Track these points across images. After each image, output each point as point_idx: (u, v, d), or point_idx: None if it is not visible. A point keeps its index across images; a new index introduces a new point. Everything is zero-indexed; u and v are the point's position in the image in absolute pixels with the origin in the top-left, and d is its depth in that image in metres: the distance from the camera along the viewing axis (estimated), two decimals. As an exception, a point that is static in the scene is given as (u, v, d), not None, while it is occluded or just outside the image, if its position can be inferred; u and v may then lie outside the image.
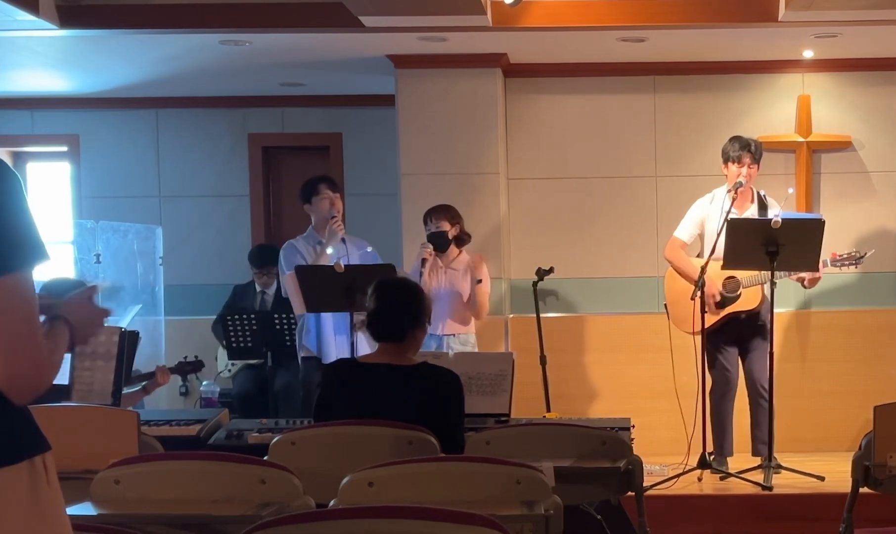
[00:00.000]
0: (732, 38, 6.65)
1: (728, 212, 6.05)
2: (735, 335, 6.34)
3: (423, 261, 6.35)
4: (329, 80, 7.79)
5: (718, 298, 6.18)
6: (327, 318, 6.31)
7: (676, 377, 6.41)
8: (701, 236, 6.39)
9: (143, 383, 5.62)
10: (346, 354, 5.79)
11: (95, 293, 2.30)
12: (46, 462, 2.06)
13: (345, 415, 3.88)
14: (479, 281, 6.44)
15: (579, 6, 6.30)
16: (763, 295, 6.21)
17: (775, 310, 6.06)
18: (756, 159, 6.23)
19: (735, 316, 6.28)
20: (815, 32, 6.49)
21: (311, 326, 6.37)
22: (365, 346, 5.79)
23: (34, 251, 2.02)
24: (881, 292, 7.29)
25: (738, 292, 6.22)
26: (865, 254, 6.30)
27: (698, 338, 6.08)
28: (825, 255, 6.06)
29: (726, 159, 6.28)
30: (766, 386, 6.09)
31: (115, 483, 3.13)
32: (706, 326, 6.10)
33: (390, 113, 7.47)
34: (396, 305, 3.97)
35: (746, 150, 6.19)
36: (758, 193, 6.34)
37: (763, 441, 6.15)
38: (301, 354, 6.48)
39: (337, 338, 6.31)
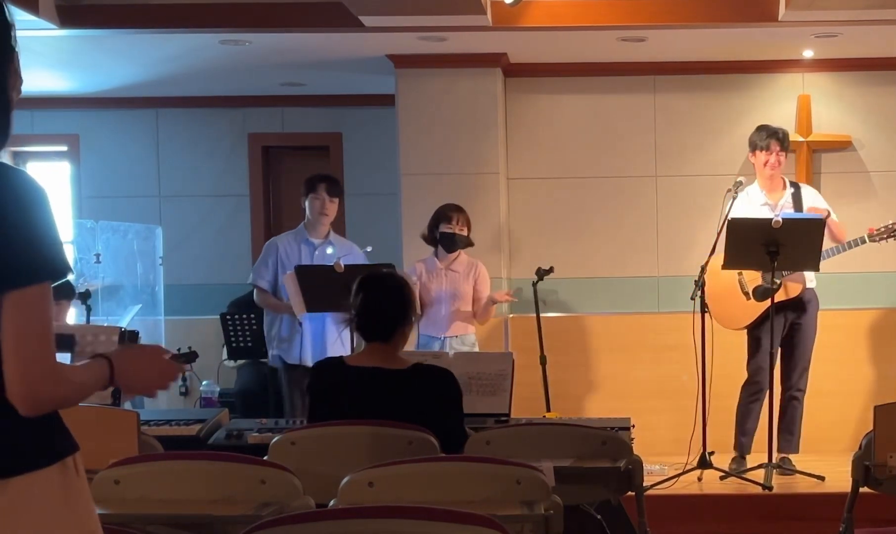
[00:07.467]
0: (732, 38, 6.65)
1: (730, 208, 6.08)
2: (778, 329, 6.18)
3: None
4: (329, 80, 7.79)
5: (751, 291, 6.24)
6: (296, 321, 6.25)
7: (677, 377, 6.40)
8: None
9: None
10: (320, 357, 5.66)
11: (165, 353, 2.38)
12: (77, 462, 2.14)
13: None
14: (495, 302, 6.49)
15: (579, 6, 6.30)
16: (804, 283, 6.23)
17: (775, 311, 6.00)
18: (784, 147, 6.39)
19: (778, 306, 6.06)
20: (815, 32, 6.49)
21: (285, 330, 6.31)
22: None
23: (50, 267, 2.02)
24: (881, 292, 7.29)
25: (780, 282, 6.09)
26: None
27: (698, 337, 6.09)
28: (862, 232, 6.23)
29: (753, 148, 6.41)
30: (800, 385, 6.30)
31: (115, 483, 3.12)
32: (751, 320, 6.23)
33: (390, 113, 7.47)
34: (385, 303, 3.85)
35: (774, 137, 6.34)
36: (791, 182, 6.48)
37: (786, 437, 6.32)
38: (282, 357, 6.41)
39: (313, 341, 6.25)
